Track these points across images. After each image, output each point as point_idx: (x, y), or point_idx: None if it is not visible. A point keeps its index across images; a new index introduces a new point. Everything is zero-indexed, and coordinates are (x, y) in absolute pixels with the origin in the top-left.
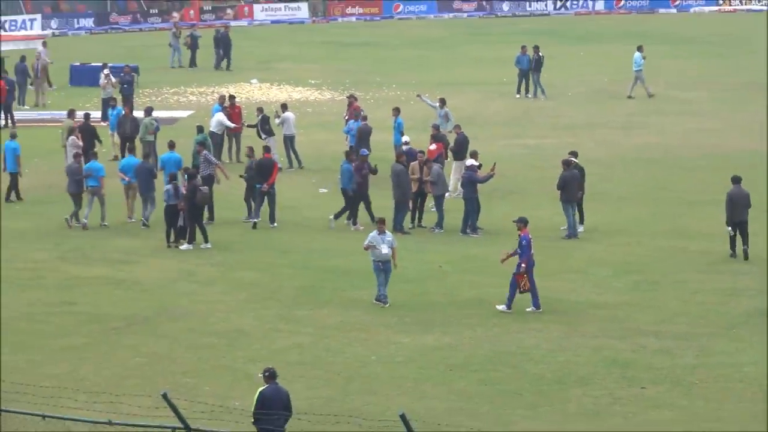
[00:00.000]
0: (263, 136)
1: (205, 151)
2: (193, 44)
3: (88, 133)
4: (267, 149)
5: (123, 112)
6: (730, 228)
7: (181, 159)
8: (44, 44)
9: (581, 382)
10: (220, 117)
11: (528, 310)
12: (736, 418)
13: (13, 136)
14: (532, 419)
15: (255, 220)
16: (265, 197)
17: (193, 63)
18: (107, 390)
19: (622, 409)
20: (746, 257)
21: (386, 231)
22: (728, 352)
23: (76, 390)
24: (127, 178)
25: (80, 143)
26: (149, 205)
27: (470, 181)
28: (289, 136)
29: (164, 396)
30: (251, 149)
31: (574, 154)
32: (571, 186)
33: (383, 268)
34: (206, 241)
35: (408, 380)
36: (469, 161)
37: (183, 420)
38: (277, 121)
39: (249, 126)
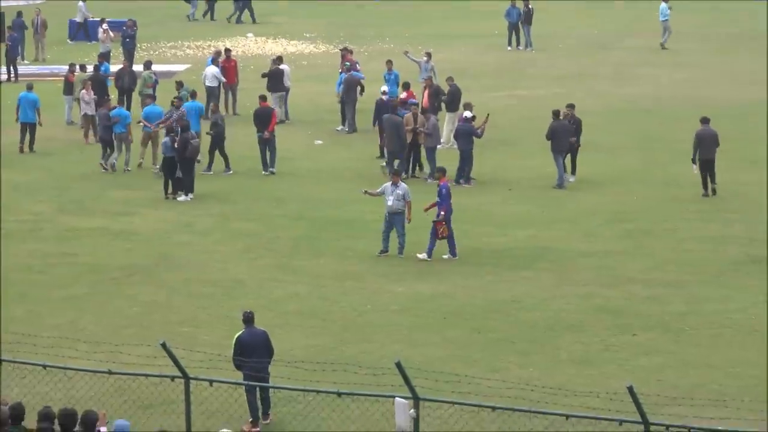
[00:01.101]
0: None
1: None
2: None
3: (99, 84)
4: (263, 98)
5: (122, 67)
6: (695, 166)
7: (202, 107)
8: None
9: (573, 330)
10: (214, 70)
11: (444, 257)
12: (725, 363)
13: (30, 88)
14: (525, 366)
15: (270, 170)
16: (266, 145)
17: (211, 16)
18: (107, 340)
19: (614, 355)
20: (714, 193)
21: (400, 183)
22: (717, 299)
23: (76, 340)
24: (152, 126)
25: (91, 95)
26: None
27: (468, 133)
28: (284, 88)
29: (163, 345)
30: (216, 105)
31: (572, 106)
32: (560, 136)
33: (388, 219)
34: (187, 194)
35: (403, 328)
36: (466, 113)
37: (181, 368)
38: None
39: (264, 75)
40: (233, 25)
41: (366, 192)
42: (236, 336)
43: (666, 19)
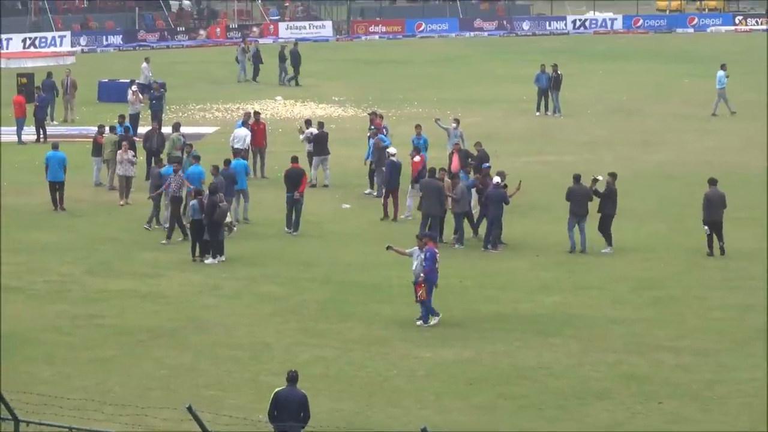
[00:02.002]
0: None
1: (180, 171)
2: (256, 59)
3: (129, 145)
4: (294, 159)
5: (150, 128)
6: (706, 227)
7: (203, 172)
8: (147, 60)
9: (600, 397)
10: (244, 132)
11: (417, 323)
12: None
13: (56, 147)
14: None
15: (293, 233)
16: (294, 206)
17: (255, 77)
18: (133, 402)
19: (640, 423)
20: (722, 252)
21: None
22: (744, 367)
23: (102, 402)
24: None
25: (129, 156)
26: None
27: (501, 199)
28: (328, 151)
29: (189, 408)
30: (215, 168)
31: (614, 175)
32: (577, 199)
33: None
34: (215, 256)
35: (429, 394)
36: (496, 179)
37: None
38: (301, 137)
39: (310, 141)
40: (263, 88)
41: (390, 247)
42: (275, 391)
43: (723, 87)
